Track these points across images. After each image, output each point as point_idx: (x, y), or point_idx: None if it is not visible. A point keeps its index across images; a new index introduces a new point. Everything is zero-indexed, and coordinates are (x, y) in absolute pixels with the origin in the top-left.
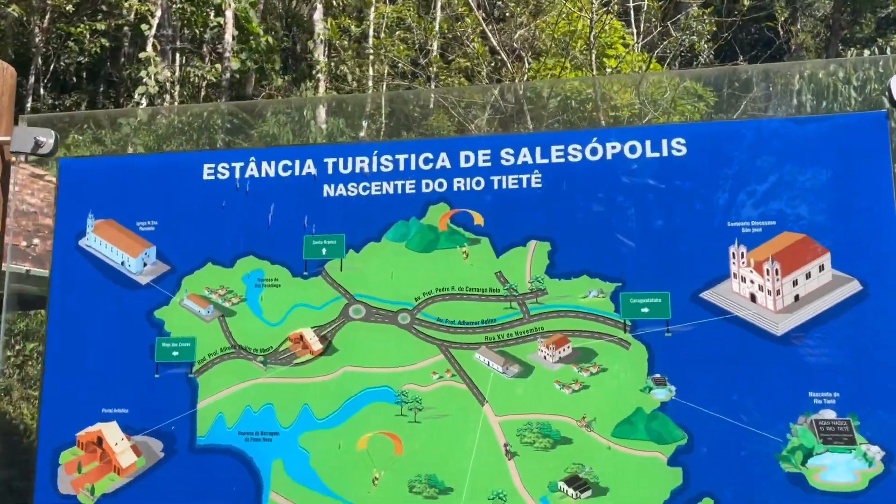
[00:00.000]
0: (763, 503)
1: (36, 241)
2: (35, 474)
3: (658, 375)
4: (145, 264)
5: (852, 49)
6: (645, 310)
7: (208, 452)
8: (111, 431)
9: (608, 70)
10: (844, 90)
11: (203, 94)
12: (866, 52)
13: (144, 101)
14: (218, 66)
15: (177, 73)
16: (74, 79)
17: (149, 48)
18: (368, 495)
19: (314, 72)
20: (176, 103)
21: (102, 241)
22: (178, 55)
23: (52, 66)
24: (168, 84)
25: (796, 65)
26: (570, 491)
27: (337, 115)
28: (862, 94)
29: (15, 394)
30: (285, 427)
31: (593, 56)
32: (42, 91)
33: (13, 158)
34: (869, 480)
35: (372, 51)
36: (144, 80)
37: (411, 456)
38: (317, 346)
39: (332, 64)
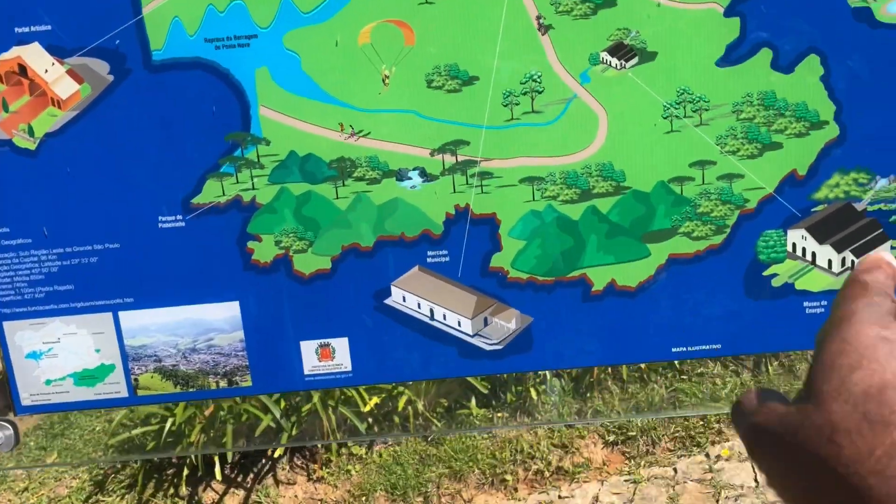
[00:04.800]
0: (826, 49)
1: None
2: None
3: None
4: None
5: None
6: None
7: (171, 69)
8: (35, 56)
9: None
10: None
11: None
12: None
13: None
14: None
15: None
16: None
17: None
18: (379, 97)
19: None
20: None
21: None
22: None
23: None
24: None
25: None
26: (614, 61)
27: None
28: None
29: None
30: (264, 27)
31: None
32: None
33: None
34: None
35: None
36: None
37: (426, 45)
38: None
39: None
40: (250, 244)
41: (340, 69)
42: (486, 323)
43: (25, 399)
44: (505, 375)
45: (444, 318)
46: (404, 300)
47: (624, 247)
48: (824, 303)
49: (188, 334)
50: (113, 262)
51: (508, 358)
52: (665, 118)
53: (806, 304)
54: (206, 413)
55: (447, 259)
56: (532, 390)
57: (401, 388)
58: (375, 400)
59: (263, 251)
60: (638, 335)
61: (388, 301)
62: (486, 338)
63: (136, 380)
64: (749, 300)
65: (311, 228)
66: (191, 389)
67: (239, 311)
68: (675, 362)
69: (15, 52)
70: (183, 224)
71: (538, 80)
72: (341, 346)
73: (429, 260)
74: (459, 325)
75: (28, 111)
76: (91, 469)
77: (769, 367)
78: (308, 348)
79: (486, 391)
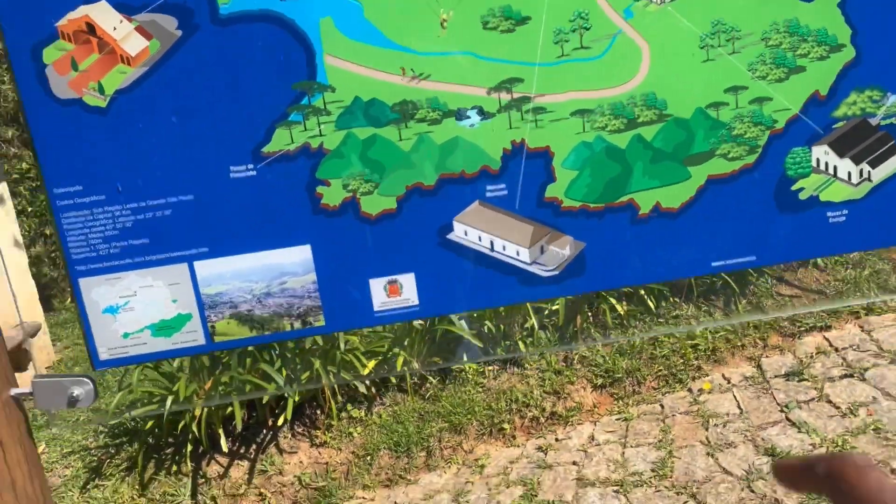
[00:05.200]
0: None
1: None
2: (17, 83)
3: None
4: None
5: None
6: None
7: (238, 21)
8: (103, 13)
9: None
10: None
11: None
12: None
13: None
14: None
15: None
16: None
17: None
18: (438, 39)
19: None
20: None
21: None
22: None
23: None
24: None
25: None
26: None
27: None
28: None
29: None
30: None
31: None
32: None
33: None
34: None
35: None
36: None
37: None
38: None
39: None
40: (319, 189)
41: (401, 15)
42: (542, 251)
43: (103, 353)
44: (494, 330)
45: (504, 248)
46: (466, 234)
47: (667, 171)
48: (845, 212)
49: (262, 279)
50: (187, 213)
51: (564, 282)
52: (701, 48)
53: (829, 213)
54: (206, 387)
55: (505, 193)
56: (520, 342)
57: (396, 350)
58: (373, 363)
59: (332, 195)
60: (681, 252)
61: (450, 236)
62: (543, 265)
63: (212, 327)
64: (779, 213)
65: (377, 171)
66: (266, 332)
67: (311, 254)
68: (652, 307)
69: (82, 10)
70: (254, 173)
71: (586, 17)
72: (408, 281)
73: (488, 194)
74: (518, 254)
75: (97, 69)
76: (83, 456)
77: (738, 306)
78: (377, 285)
79: (480, 346)
